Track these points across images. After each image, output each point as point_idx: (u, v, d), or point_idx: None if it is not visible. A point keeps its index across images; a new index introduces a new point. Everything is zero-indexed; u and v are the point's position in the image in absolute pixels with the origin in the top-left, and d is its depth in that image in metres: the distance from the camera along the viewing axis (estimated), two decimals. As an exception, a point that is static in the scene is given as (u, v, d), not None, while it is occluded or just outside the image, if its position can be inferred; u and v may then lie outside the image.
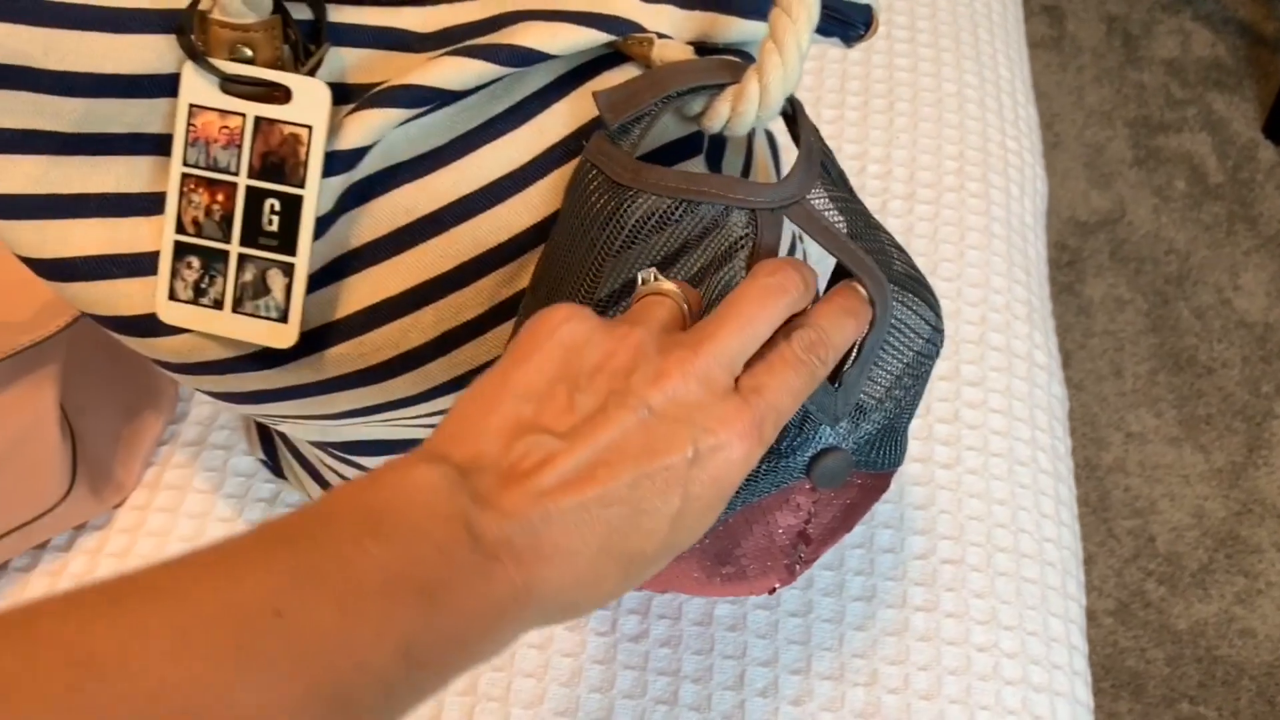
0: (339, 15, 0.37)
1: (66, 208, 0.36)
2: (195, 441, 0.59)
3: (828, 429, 0.37)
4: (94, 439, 0.55)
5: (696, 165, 0.41)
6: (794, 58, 0.35)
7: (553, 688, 0.51)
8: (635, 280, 0.34)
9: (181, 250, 0.36)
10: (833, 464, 0.37)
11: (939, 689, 0.51)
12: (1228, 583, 1.19)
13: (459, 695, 0.50)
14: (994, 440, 0.59)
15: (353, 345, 0.39)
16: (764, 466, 0.37)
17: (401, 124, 0.37)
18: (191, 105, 0.35)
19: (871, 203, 0.68)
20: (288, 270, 0.36)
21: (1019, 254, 0.67)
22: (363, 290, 0.38)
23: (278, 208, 0.36)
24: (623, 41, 0.38)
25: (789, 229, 0.47)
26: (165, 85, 0.36)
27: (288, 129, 0.35)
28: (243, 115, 0.35)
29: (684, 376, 0.29)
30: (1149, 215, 1.49)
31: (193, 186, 0.36)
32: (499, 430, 0.29)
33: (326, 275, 0.38)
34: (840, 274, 0.40)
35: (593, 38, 0.37)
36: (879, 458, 0.40)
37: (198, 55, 0.35)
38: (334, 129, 0.36)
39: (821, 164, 0.37)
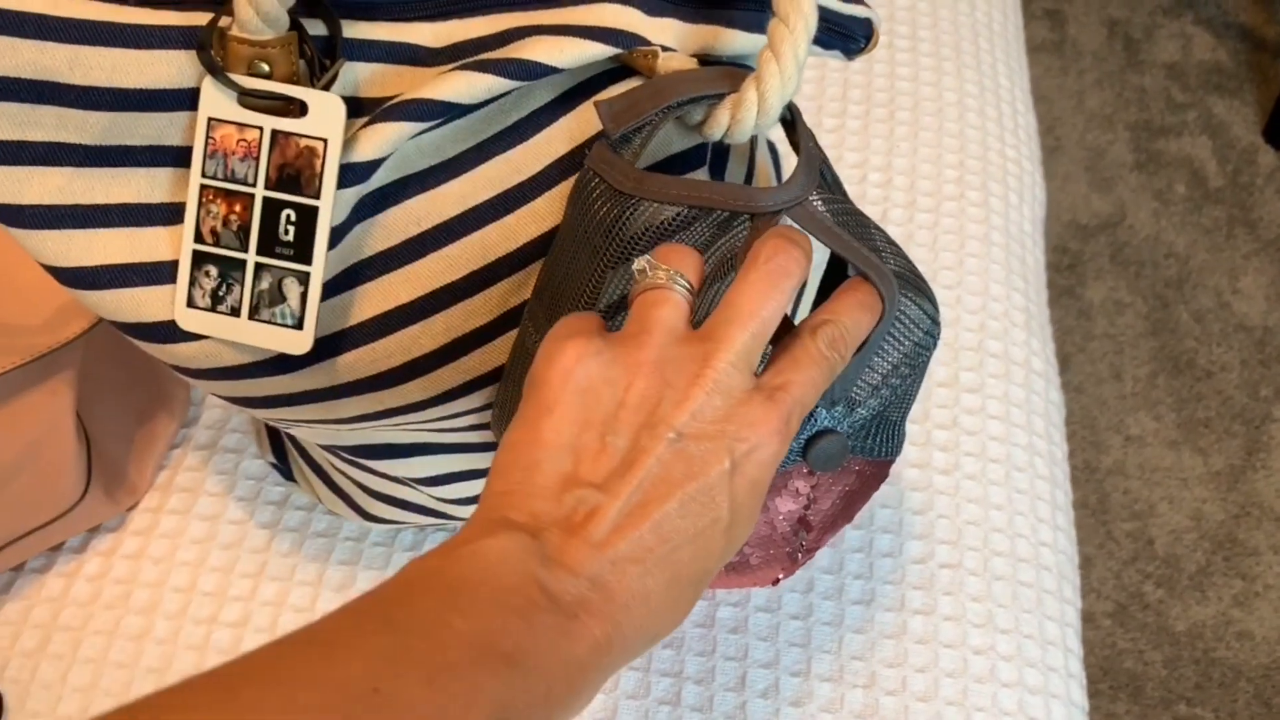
0: (353, 31, 0.38)
1: (90, 218, 0.37)
2: (207, 445, 0.60)
3: (823, 411, 0.37)
4: (108, 443, 0.56)
5: (701, 175, 0.42)
6: (791, 67, 0.36)
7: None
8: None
9: (200, 259, 0.37)
10: (829, 446, 0.38)
11: (936, 691, 0.52)
12: (1225, 585, 1.20)
13: (466, 694, 0.51)
14: (992, 446, 0.60)
15: (365, 351, 0.40)
16: None
17: (413, 137, 0.38)
18: (210, 119, 0.36)
19: (872, 211, 0.69)
20: (303, 279, 0.37)
21: (1018, 262, 0.68)
22: (375, 298, 0.39)
23: (294, 218, 0.37)
24: (628, 55, 0.39)
25: None
26: (185, 99, 0.36)
27: (304, 142, 0.36)
28: (260, 128, 0.36)
29: (705, 392, 0.30)
30: (1149, 219, 1.50)
31: (211, 197, 0.37)
32: (546, 488, 0.30)
33: (340, 283, 0.39)
34: (840, 273, 0.41)
35: (599, 51, 0.38)
36: (874, 444, 0.41)
37: (217, 70, 0.36)
38: (348, 142, 0.37)
39: (820, 170, 0.38)
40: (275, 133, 0.36)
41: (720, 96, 0.37)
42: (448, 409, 0.42)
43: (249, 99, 0.36)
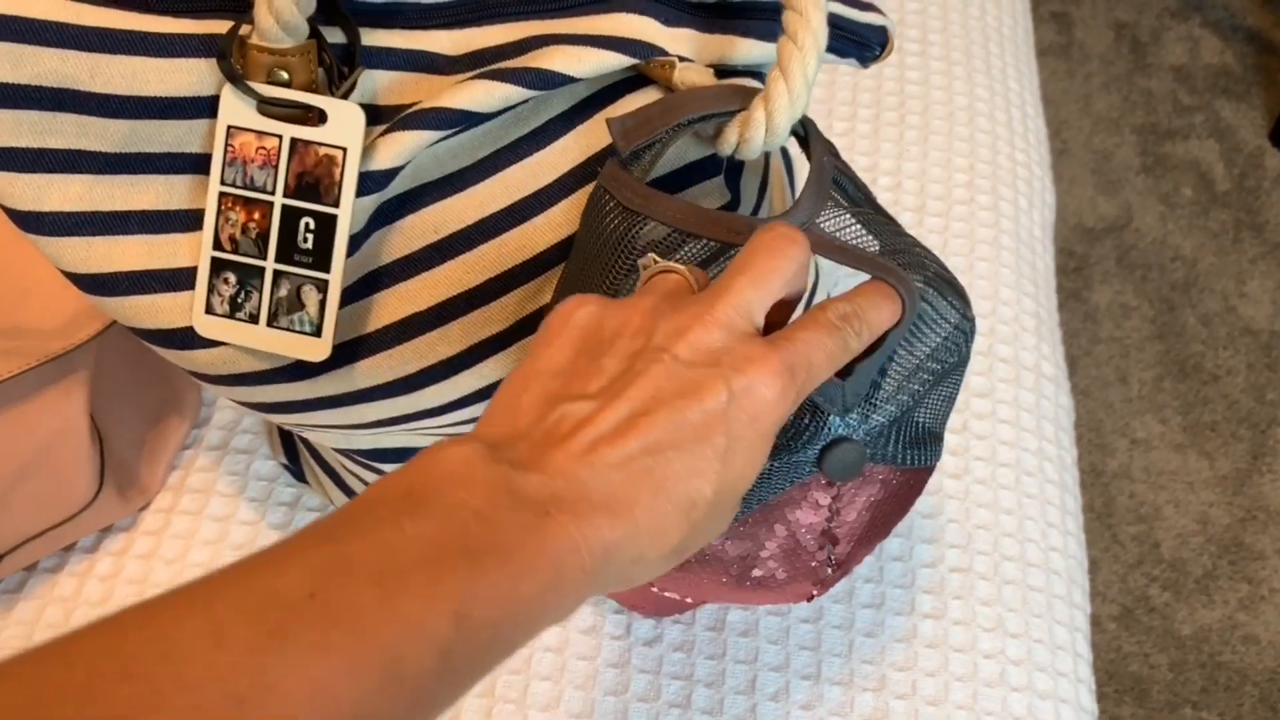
0: (371, 39, 0.38)
1: (109, 224, 0.37)
2: (218, 446, 0.60)
3: (836, 419, 0.37)
4: (120, 443, 0.56)
5: (716, 186, 0.42)
6: (800, 86, 0.36)
7: (568, 690, 0.52)
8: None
9: (219, 266, 0.38)
10: (843, 455, 0.37)
11: (946, 695, 0.52)
12: (1231, 589, 1.20)
13: (477, 697, 0.52)
14: (1001, 450, 0.60)
15: (382, 358, 0.40)
16: (774, 462, 0.37)
17: (431, 145, 0.38)
18: (230, 126, 0.37)
19: (882, 215, 0.70)
20: (322, 286, 0.37)
21: (1027, 266, 0.68)
22: (392, 305, 0.39)
23: (312, 226, 0.37)
24: (645, 65, 0.39)
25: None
26: (205, 107, 0.37)
27: (323, 150, 0.36)
28: (279, 136, 0.37)
29: (704, 326, 0.30)
30: (1156, 222, 1.50)
31: (230, 205, 0.37)
32: (530, 406, 0.29)
33: (358, 290, 0.39)
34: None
35: (616, 61, 0.38)
36: (898, 451, 0.40)
37: (236, 78, 0.36)
38: (367, 150, 0.37)
39: (836, 182, 0.38)
40: (294, 141, 0.37)
41: (731, 114, 0.37)
42: (464, 414, 0.43)
43: (268, 107, 0.36)
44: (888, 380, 0.38)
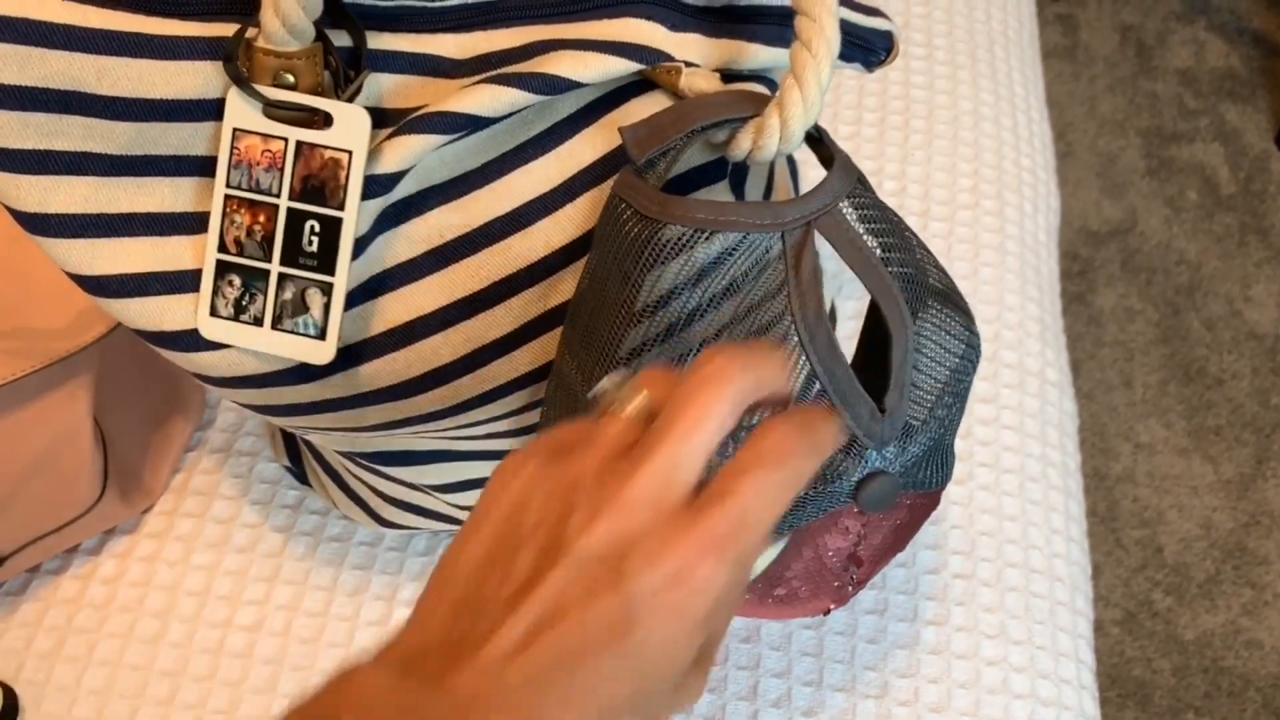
0: (378, 42, 0.38)
1: (115, 226, 0.37)
2: (222, 448, 0.60)
3: (874, 453, 0.37)
4: (124, 445, 0.56)
5: (721, 190, 0.42)
6: (814, 92, 0.36)
7: (571, 694, 0.52)
8: (665, 311, 0.35)
9: (223, 269, 0.38)
10: (880, 488, 0.37)
11: (949, 702, 0.52)
12: (1235, 594, 1.20)
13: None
14: (1006, 456, 0.60)
15: (386, 361, 0.40)
16: (810, 493, 0.37)
17: (437, 149, 0.38)
18: (235, 129, 0.37)
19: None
20: (326, 289, 0.37)
21: (1032, 271, 0.68)
22: (397, 308, 0.39)
23: (317, 229, 0.37)
24: (651, 70, 0.39)
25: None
26: (210, 109, 0.37)
27: (328, 153, 0.36)
28: (284, 139, 0.37)
29: (620, 509, 0.27)
30: (1160, 225, 1.50)
31: (235, 207, 0.37)
32: (442, 616, 0.28)
33: (362, 294, 0.39)
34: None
35: (623, 66, 0.38)
36: (926, 477, 0.40)
37: (242, 81, 0.36)
38: (372, 153, 0.37)
39: (859, 177, 0.38)
40: (300, 144, 0.36)
41: (744, 120, 0.37)
42: (468, 418, 0.43)
43: (274, 110, 0.36)
44: (918, 409, 0.38)
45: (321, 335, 0.38)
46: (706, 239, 0.35)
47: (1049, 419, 0.63)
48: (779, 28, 0.42)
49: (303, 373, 0.39)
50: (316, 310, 0.38)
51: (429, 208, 0.39)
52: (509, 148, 0.39)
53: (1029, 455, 0.61)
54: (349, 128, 0.36)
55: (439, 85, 0.39)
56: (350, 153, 0.36)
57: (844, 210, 0.36)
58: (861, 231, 0.37)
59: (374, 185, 0.37)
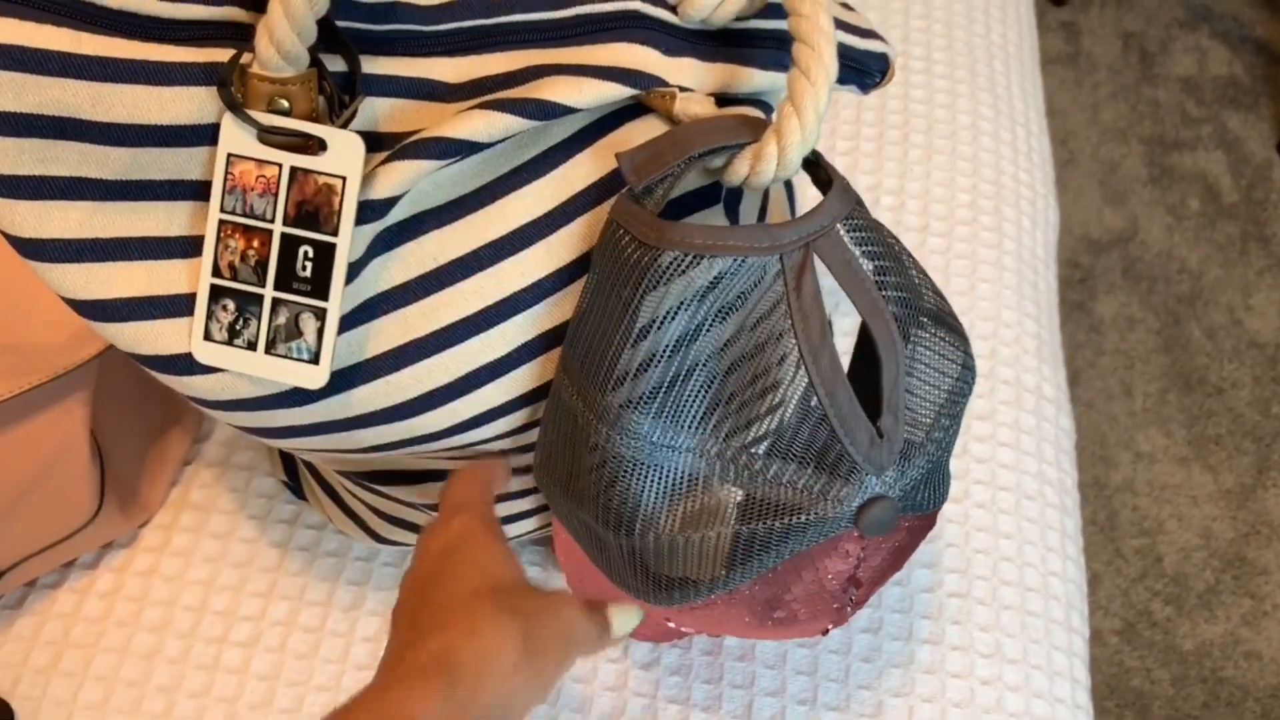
0: (373, 66, 0.38)
1: (110, 251, 0.37)
2: (219, 462, 0.60)
3: (874, 479, 0.37)
4: (122, 460, 0.56)
5: (715, 213, 0.42)
6: (812, 120, 0.36)
7: (565, 714, 0.52)
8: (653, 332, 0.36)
9: (217, 293, 0.38)
10: (879, 513, 0.37)
11: (943, 720, 0.52)
12: (1234, 604, 1.20)
13: None
14: (1002, 474, 0.60)
15: (380, 384, 0.40)
16: (810, 518, 0.37)
17: (431, 173, 0.38)
18: (230, 154, 0.37)
19: (885, 233, 0.69)
20: (320, 314, 0.38)
21: (1029, 287, 0.68)
22: (391, 332, 0.39)
23: (311, 254, 0.37)
24: (646, 95, 0.39)
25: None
26: (205, 135, 0.37)
27: (322, 179, 0.36)
28: (279, 165, 0.37)
29: None
30: (1162, 234, 1.50)
31: (229, 232, 0.37)
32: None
33: (356, 317, 0.39)
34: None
35: (617, 92, 0.38)
36: (924, 499, 0.40)
37: (237, 107, 0.36)
38: (366, 179, 0.37)
39: (856, 199, 0.38)
40: (294, 169, 0.37)
41: (741, 146, 0.38)
42: (463, 439, 0.43)
43: (269, 135, 0.36)
44: (916, 431, 0.38)
45: (315, 360, 0.38)
46: (705, 262, 0.35)
47: (1046, 436, 0.63)
48: (774, 51, 0.42)
49: (296, 397, 0.39)
50: (310, 335, 0.38)
51: (424, 231, 0.39)
52: (504, 171, 0.40)
53: (1025, 472, 0.61)
54: (343, 153, 0.36)
55: (434, 109, 0.39)
56: (344, 178, 0.36)
57: (840, 232, 0.37)
58: (858, 254, 0.37)
59: (368, 210, 0.37)
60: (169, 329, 0.38)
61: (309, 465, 0.55)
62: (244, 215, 0.37)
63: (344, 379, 0.39)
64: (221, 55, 0.36)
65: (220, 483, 0.59)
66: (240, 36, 0.37)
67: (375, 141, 0.38)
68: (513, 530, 0.51)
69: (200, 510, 0.58)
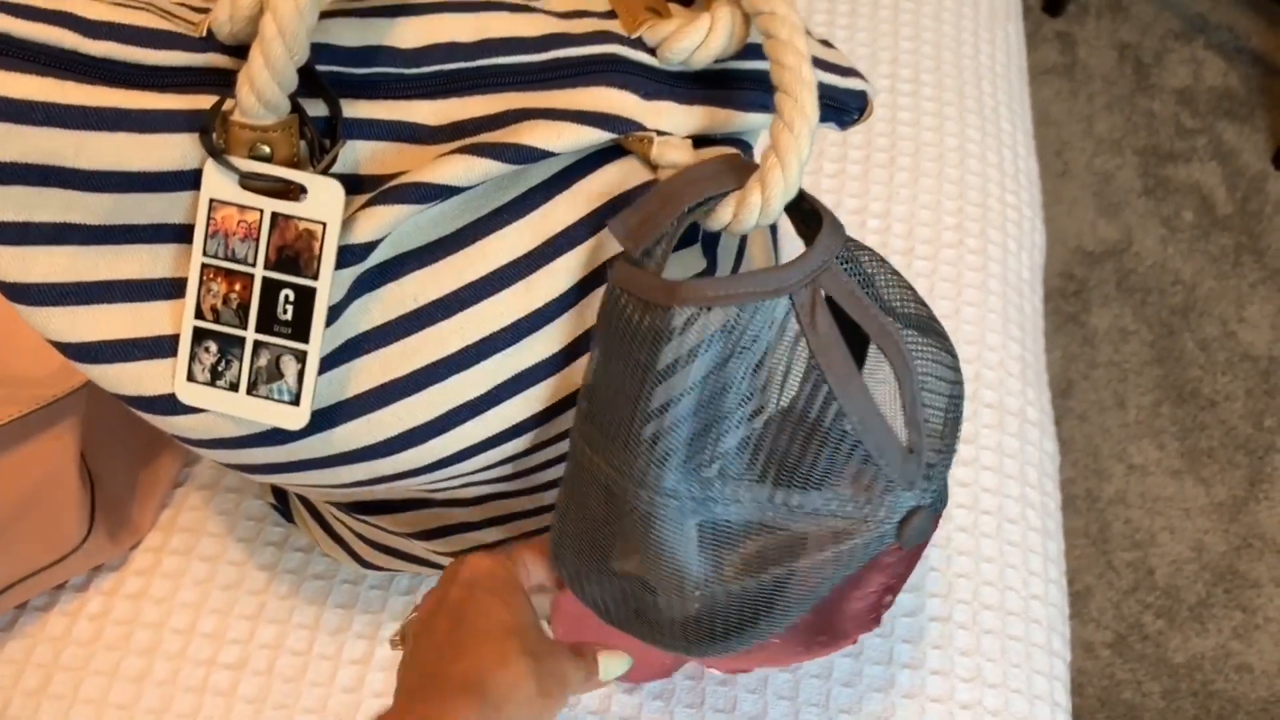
0: (354, 110, 0.39)
1: (94, 294, 0.38)
2: (209, 485, 0.61)
3: (907, 493, 0.39)
4: (111, 483, 0.57)
5: (693, 254, 0.42)
6: (795, 170, 0.37)
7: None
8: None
9: (200, 335, 0.38)
10: (920, 523, 0.40)
11: (922, 747, 0.53)
12: (1226, 617, 1.20)
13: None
14: (984, 498, 0.61)
15: (360, 423, 0.40)
16: (859, 541, 0.39)
17: (411, 217, 0.38)
18: (212, 200, 0.37)
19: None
20: (301, 357, 0.38)
21: (1014, 310, 0.69)
22: (372, 371, 0.40)
23: (292, 298, 0.38)
24: (624, 139, 0.40)
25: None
26: (188, 180, 0.37)
27: (303, 224, 0.37)
28: (260, 210, 0.37)
29: None
30: (1156, 245, 1.50)
31: (212, 276, 0.38)
32: None
33: (338, 357, 0.40)
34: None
35: (595, 136, 0.39)
36: (942, 500, 0.42)
37: (218, 154, 0.37)
38: (347, 223, 0.37)
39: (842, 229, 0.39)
40: (275, 215, 0.37)
41: (725, 193, 0.38)
42: (442, 475, 0.43)
43: (250, 181, 0.37)
44: (934, 440, 0.40)
45: (295, 401, 0.38)
46: (716, 313, 0.36)
47: (1029, 459, 0.63)
48: (753, 92, 0.42)
49: (278, 436, 0.40)
50: (291, 377, 0.38)
51: (404, 273, 0.40)
52: (484, 213, 0.40)
53: (1008, 496, 0.61)
54: (323, 199, 0.37)
55: (415, 151, 0.39)
56: (324, 224, 0.37)
57: (836, 264, 0.37)
58: (857, 284, 0.38)
59: (348, 255, 0.38)
60: (152, 370, 0.39)
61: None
62: (226, 259, 0.38)
63: (325, 418, 0.40)
64: (204, 102, 0.37)
65: (209, 505, 0.60)
66: (222, 83, 0.37)
67: (356, 184, 0.39)
68: None
69: (190, 533, 0.59)
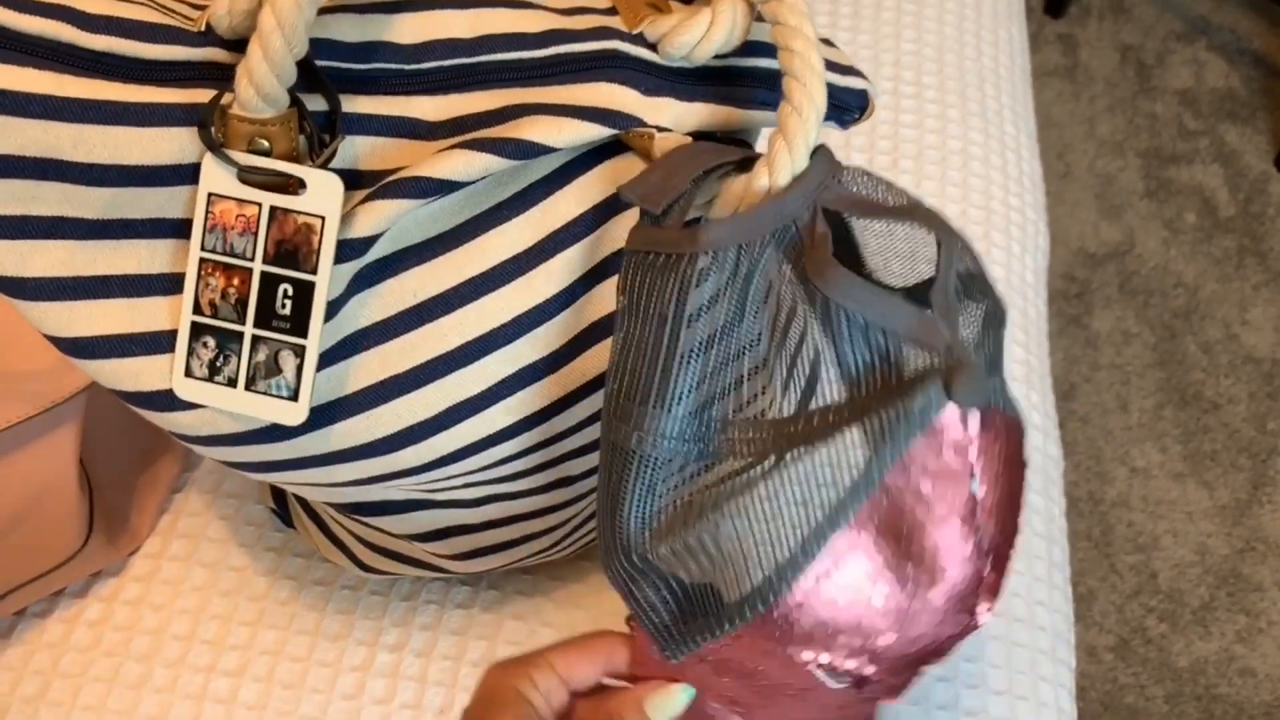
0: (353, 105, 0.39)
1: (91, 289, 0.37)
2: (208, 490, 0.60)
3: (938, 357, 0.34)
4: (111, 488, 0.56)
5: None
6: (802, 154, 0.36)
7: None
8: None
9: (198, 330, 0.38)
10: (967, 376, 0.33)
11: (928, 750, 0.52)
12: (1229, 621, 1.20)
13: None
14: (989, 499, 0.60)
15: (359, 420, 0.40)
16: (895, 411, 0.33)
17: (410, 211, 0.38)
18: (210, 194, 0.37)
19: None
20: (299, 352, 0.38)
21: (1018, 314, 0.68)
22: (371, 368, 0.40)
23: (291, 292, 0.37)
24: (624, 135, 0.40)
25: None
26: (186, 174, 0.37)
27: (301, 219, 0.37)
28: (259, 204, 0.37)
29: None
30: (1159, 247, 1.50)
31: (210, 270, 0.38)
32: None
33: (337, 353, 0.39)
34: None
35: (596, 133, 0.39)
36: (1000, 397, 0.37)
37: (217, 148, 0.36)
38: (346, 218, 0.37)
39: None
40: (274, 209, 0.37)
41: (733, 165, 0.38)
42: (442, 473, 0.43)
43: (249, 175, 0.37)
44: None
45: (294, 396, 0.38)
46: (730, 253, 0.35)
47: (1034, 464, 0.63)
48: (753, 89, 0.42)
49: (276, 432, 0.39)
50: (289, 372, 0.38)
51: (404, 268, 0.39)
52: (483, 209, 0.40)
53: (1012, 498, 0.61)
54: (322, 193, 0.37)
55: (415, 147, 0.39)
56: (323, 218, 0.37)
57: (844, 182, 0.37)
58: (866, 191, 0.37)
59: (348, 249, 0.37)
60: (150, 365, 0.38)
61: (297, 494, 0.55)
62: (224, 254, 0.37)
63: (324, 415, 0.40)
64: (202, 96, 0.37)
65: (209, 511, 0.60)
66: (221, 78, 0.37)
67: (355, 179, 0.39)
68: (481, 565, 0.52)
69: (189, 538, 0.58)
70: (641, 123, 0.39)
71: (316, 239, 0.37)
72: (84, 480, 0.54)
